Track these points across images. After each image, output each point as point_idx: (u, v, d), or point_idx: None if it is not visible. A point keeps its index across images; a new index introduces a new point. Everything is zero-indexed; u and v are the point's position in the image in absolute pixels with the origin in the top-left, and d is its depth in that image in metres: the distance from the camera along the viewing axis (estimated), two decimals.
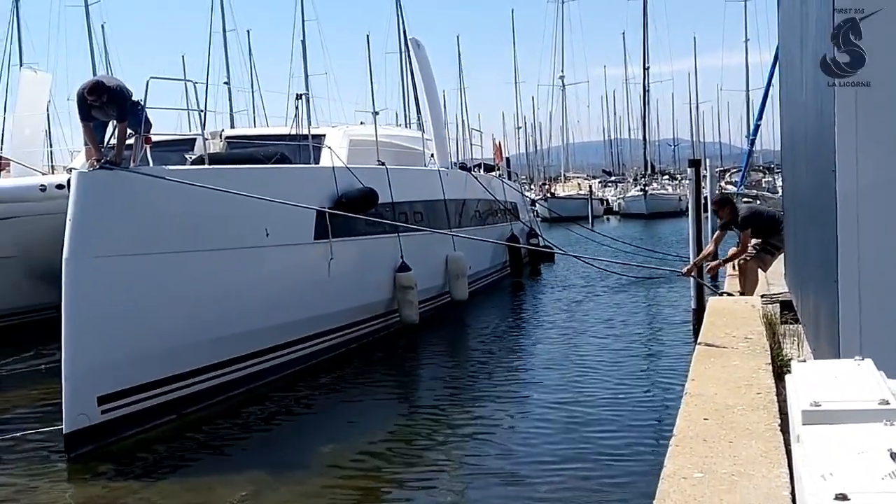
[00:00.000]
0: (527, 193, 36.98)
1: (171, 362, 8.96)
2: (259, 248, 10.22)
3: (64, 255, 8.10)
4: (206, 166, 10.24)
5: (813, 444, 1.97)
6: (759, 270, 9.76)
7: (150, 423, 8.60)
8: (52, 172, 17.41)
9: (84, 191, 8.37)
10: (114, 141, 9.55)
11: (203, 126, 11.45)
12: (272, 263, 10.58)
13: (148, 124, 9.57)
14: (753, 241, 9.84)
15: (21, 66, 36.12)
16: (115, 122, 9.51)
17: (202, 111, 11.63)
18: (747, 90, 55.26)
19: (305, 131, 12.66)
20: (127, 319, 8.56)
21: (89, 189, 8.44)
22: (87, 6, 45.16)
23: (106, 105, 9.21)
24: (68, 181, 8.68)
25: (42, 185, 9.74)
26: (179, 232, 9.22)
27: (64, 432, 7.90)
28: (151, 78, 9.52)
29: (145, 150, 9.64)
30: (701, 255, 11.05)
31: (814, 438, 2.01)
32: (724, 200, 10.84)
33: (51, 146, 28.25)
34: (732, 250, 10.50)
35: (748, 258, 9.69)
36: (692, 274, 10.76)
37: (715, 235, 10.72)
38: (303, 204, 10.57)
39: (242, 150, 12.81)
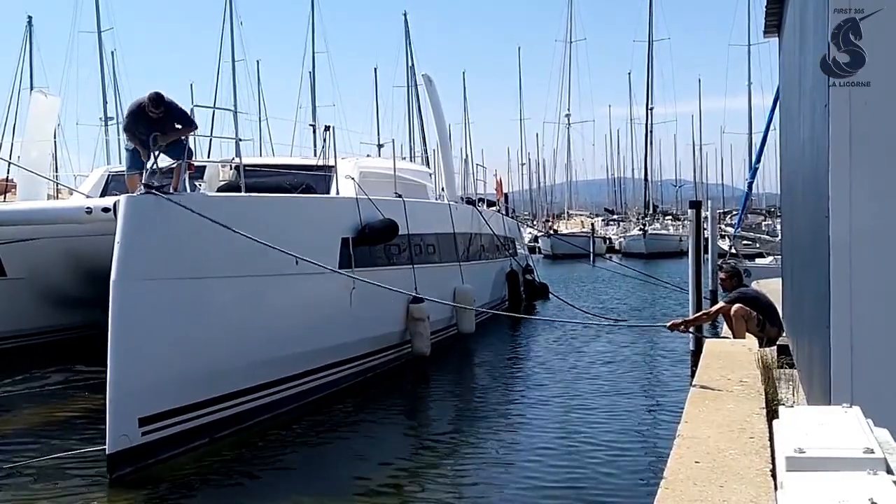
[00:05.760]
0: (529, 230, 36.99)
1: (208, 386, 9.01)
2: (291, 275, 10.29)
3: (112, 278, 8.15)
4: (246, 194, 10.31)
5: (795, 492, 1.99)
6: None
7: (184, 447, 8.60)
8: (58, 196, 17.49)
9: (132, 215, 8.45)
10: (156, 166, 9.60)
11: (238, 154, 11.23)
12: (302, 291, 10.66)
13: (190, 152, 9.65)
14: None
15: (31, 89, 36.43)
16: (152, 142, 9.52)
17: (238, 139, 11.70)
18: (750, 133, 55.35)
19: (332, 162, 12.95)
20: (170, 342, 8.63)
21: (137, 213, 8.52)
22: (99, 33, 45.84)
23: (162, 117, 9.27)
24: (114, 205, 8.73)
25: (88, 208, 9.79)
26: (222, 257, 9.31)
27: (107, 453, 7.89)
28: (195, 106, 9.70)
29: (185, 177, 9.74)
30: (696, 317, 10.66)
31: (796, 486, 2.02)
32: (734, 274, 10.79)
33: (56, 170, 28.46)
34: (704, 312, 10.50)
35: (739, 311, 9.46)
36: (679, 329, 10.06)
37: (719, 306, 10.07)
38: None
39: (269, 179, 12.92)
